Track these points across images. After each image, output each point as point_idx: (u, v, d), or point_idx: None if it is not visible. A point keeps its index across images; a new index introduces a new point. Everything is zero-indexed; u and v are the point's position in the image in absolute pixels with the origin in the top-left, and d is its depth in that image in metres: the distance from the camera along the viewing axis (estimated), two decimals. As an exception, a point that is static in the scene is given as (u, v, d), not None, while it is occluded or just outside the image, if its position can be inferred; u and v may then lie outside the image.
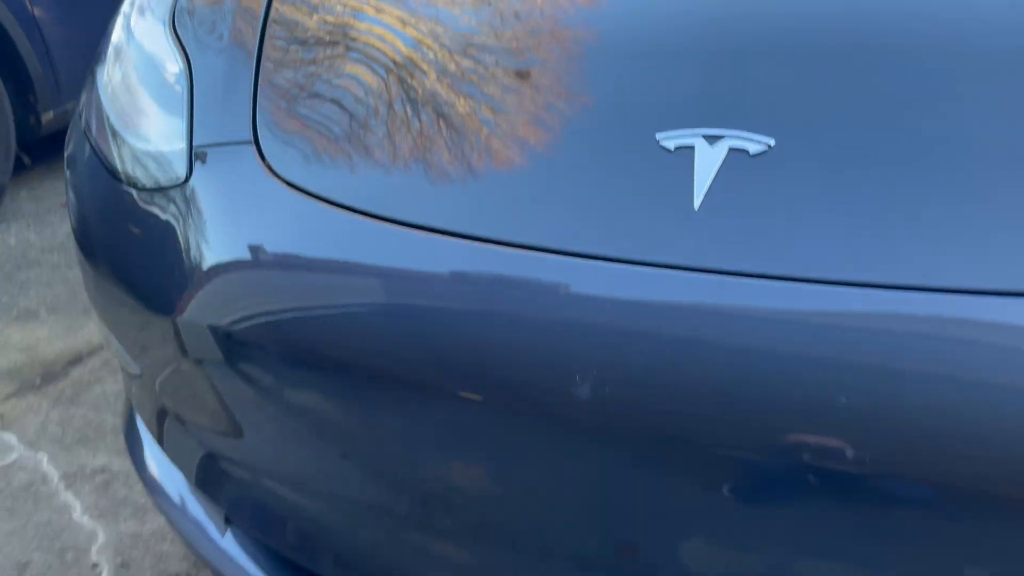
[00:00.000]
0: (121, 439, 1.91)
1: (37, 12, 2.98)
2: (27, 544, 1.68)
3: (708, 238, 0.73)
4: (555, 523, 0.83)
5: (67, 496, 1.79)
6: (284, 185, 0.93)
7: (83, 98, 1.35)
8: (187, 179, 1.01)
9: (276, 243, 0.91)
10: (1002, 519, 0.66)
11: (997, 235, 0.68)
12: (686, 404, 0.71)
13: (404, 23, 1.03)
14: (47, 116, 3.06)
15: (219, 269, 0.94)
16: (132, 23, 1.34)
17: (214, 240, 0.96)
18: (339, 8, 1.14)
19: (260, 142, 0.98)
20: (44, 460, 1.90)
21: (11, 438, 1.97)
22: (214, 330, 0.94)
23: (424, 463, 0.88)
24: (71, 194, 1.27)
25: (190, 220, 0.99)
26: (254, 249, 0.92)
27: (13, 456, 1.92)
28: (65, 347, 2.30)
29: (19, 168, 3.07)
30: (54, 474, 1.85)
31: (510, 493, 0.85)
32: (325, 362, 0.88)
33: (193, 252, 0.98)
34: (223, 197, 0.97)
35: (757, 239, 0.71)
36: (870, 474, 0.67)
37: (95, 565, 1.63)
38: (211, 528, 1.20)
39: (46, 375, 2.20)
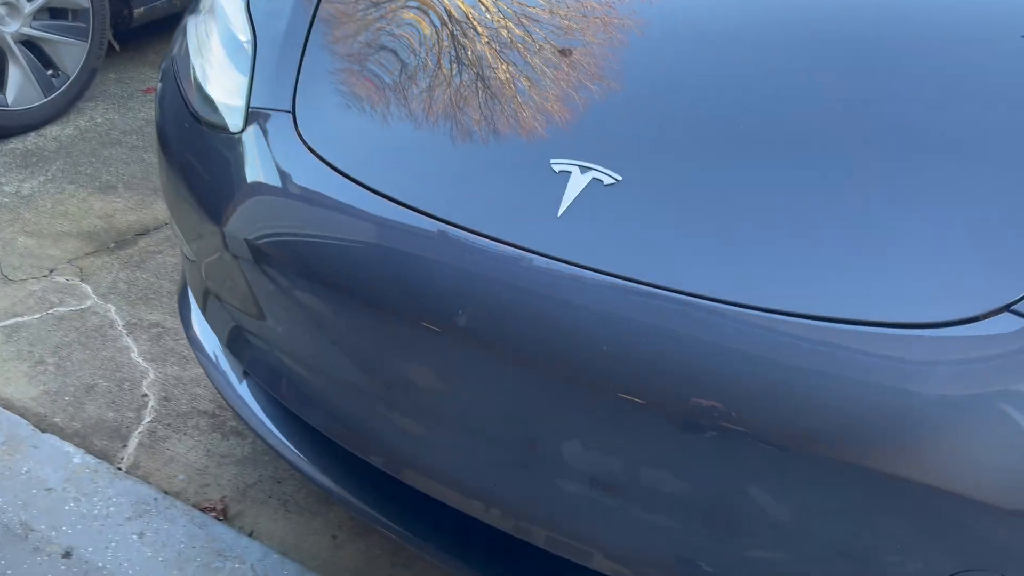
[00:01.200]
0: (174, 302, 2.38)
1: (140, -82, 3.36)
2: (95, 372, 2.17)
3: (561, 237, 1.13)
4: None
5: (127, 340, 2.27)
6: (307, 150, 1.34)
7: (175, 44, 1.76)
8: (242, 130, 1.42)
9: (295, 192, 1.32)
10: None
11: (741, 259, 1.07)
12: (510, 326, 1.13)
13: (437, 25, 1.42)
14: (138, 11, 3.48)
15: (255, 201, 1.36)
16: None
17: (253, 180, 1.37)
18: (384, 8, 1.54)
19: (297, 113, 1.39)
20: (112, 310, 2.37)
21: (87, 288, 2.45)
22: (247, 242, 1.36)
23: (377, 354, 1.31)
24: (158, 118, 1.68)
25: (241, 161, 1.41)
26: (279, 192, 1.34)
27: (88, 303, 2.39)
28: (136, 219, 2.76)
29: (110, 53, 3.49)
30: (119, 322, 2.33)
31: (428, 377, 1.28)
32: (316, 278, 1.30)
33: (240, 184, 1.39)
34: (264, 150, 1.38)
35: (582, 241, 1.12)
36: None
37: (144, 395, 2.11)
38: (233, 378, 1.65)
39: (119, 241, 2.66)
